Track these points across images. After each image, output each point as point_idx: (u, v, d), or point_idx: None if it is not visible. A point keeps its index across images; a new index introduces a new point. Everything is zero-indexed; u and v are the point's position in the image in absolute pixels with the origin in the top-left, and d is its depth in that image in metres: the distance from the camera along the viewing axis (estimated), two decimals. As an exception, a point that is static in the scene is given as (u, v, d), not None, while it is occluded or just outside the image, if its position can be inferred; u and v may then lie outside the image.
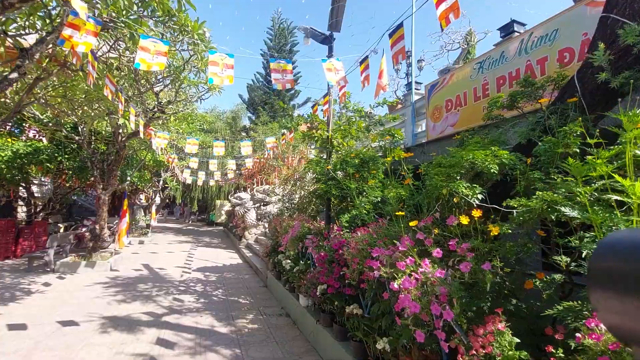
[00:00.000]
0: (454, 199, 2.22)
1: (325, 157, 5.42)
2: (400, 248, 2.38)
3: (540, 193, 1.85)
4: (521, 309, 2.28)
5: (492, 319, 1.95)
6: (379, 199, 3.94)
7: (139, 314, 5.25)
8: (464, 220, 2.07)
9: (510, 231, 1.98)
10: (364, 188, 4.10)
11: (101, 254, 9.00)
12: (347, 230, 3.94)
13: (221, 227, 22.96)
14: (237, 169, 17.33)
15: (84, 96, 5.85)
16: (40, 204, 11.63)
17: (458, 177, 2.25)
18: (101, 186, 8.44)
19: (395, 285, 2.14)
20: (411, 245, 2.39)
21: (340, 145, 5.10)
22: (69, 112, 6.24)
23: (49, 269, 8.09)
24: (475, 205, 2.15)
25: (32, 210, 10.85)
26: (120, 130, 8.15)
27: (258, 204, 11.43)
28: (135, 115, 5.61)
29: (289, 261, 5.73)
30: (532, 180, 2.05)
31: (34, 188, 13.74)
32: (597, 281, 0.47)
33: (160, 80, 7.55)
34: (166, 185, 16.23)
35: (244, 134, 21.53)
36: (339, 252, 3.57)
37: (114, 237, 10.09)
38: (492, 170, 2.15)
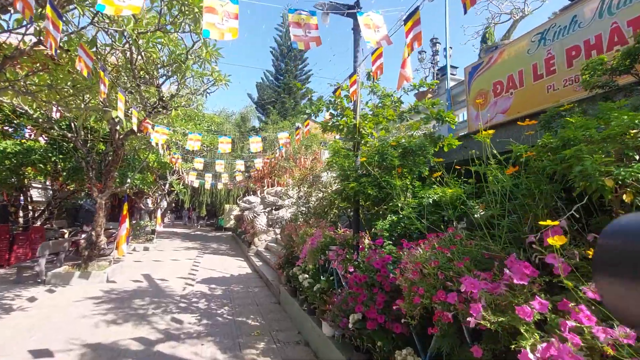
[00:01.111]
0: (625, 197, 1.26)
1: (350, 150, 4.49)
2: (516, 281, 1.41)
3: None
4: None
5: None
6: (432, 200, 2.97)
7: (128, 341, 4.37)
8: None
9: None
10: (408, 185, 3.14)
11: (98, 264, 8.22)
12: (389, 243, 2.98)
13: (230, 232, 22.19)
14: (246, 171, 16.51)
15: (69, 83, 5.07)
16: (39, 208, 11.00)
17: (638, 157, 1.29)
18: (97, 189, 7.67)
19: (531, 355, 1.17)
20: (532, 276, 1.42)
21: (370, 136, 4.16)
22: (56, 103, 5.47)
23: (39, 280, 7.33)
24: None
25: (30, 215, 10.19)
26: (118, 127, 7.38)
27: (269, 208, 10.46)
28: (123, 102, 4.78)
29: (307, 276, 4.79)
30: None
31: (34, 192, 13.18)
32: (602, 266, 0.47)
33: (161, 69, 6.76)
34: (173, 189, 15.51)
35: (253, 134, 20.76)
36: (382, 272, 2.61)
37: (114, 244, 9.33)
38: None
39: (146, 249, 13.26)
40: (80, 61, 3.32)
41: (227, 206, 24.17)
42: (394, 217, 3.25)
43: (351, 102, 4.27)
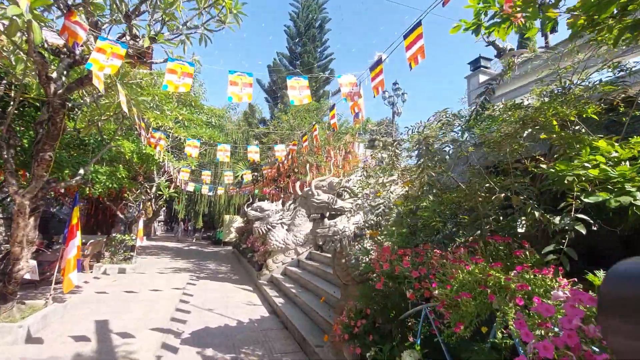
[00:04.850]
0: None
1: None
2: None
3: None
4: None
5: None
6: None
7: None
8: None
9: None
10: None
11: (21, 306, 5.02)
12: None
13: (230, 248, 18.90)
14: (255, 170, 13.43)
15: None
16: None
17: None
18: (16, 181, 4.55)
19: None
20: None
21: None
22: None
23: None
24: None
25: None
26: (55, 75, 4.31)
27: (319, 214, 6.82)
28: None
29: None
30: None
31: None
32: (606, 307, 0.47)
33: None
34: (161, 193, 12.35)
35: (262, 126, 17.70)
36: None
37: (57, 272, 6.09)
38: None
39: (122, 271, 9.99)
40: None
41: (226, 217, 20.98)
42: None
43: None
